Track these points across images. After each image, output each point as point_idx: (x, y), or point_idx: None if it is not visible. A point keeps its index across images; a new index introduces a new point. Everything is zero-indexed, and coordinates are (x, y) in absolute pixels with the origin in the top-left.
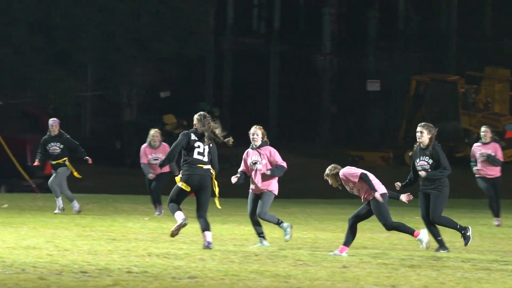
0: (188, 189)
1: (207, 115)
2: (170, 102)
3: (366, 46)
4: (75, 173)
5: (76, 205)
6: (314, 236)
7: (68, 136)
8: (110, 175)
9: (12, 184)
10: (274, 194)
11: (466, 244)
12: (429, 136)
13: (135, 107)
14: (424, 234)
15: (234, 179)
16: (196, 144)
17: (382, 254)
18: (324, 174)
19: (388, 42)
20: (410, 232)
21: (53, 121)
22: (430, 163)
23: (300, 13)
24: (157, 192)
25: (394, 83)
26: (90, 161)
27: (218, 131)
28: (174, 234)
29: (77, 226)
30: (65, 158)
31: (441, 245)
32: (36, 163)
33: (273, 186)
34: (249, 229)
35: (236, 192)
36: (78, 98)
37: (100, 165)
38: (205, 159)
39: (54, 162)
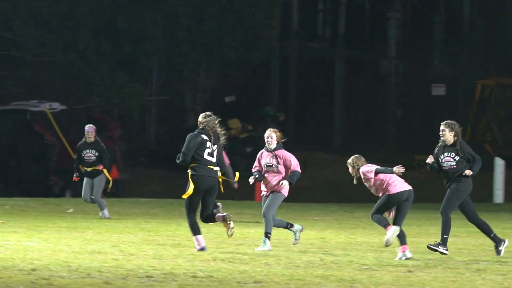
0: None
1: (211, 114)
2: (235, 107)
3: (431, 51)
4: (109, 177)
5: (106, 213)
6: (379, 241)
7: (103, 145)
8: (175, 180)
9: (77, 189)
10: (284, 196)
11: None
12: (452, 134)
13: (199, 111)
14: (391, 231)
15: (251, 180)
16: (207, 144)
17: (447, 258)
18: (347, 161)
19: (453, 47)
20: (385, 225)
21: (89, 128)
22: (456, 159)
23: (365, 17)
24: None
25: (459, 87)
26: (101, 167)
27: (220, 130)
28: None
29: (142, 231)
30: (99, 166)
31: (496, 241)
32: (74, 178)
33: (284, 188)
34: (314, 233)
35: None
36: (143, 103)
37: (165, 170)
38: (214, 159)
39: (89, 169)
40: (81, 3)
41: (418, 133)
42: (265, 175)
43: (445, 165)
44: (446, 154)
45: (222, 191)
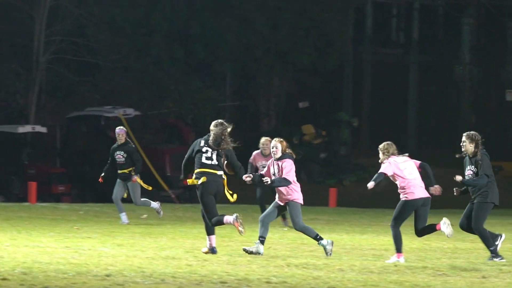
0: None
1: (223, 122)
2: (308, 112)
3: (505, 56)
4: (144, 185)
5: (124, 218)
6: (453, 246)
7: (134, 147)
8: (250, 186)
9: (150, 194)
10: (300, 203)
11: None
12: (472, 145)
13: (273, 117)
14: (444, 227)
15: (248, 178)
16: (204, 149)
17: None
18: (379, 146)
19: None
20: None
21: (119, 130)
22: (474, 171)
23: (439, 23)
24: (262, 201)
25: None
26: (134, 180)
27: (228, 139)
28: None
29: (216, 237)
30: (130, 169)
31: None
32: (100, 180)
33: (295, 195)
34: (388, 239)
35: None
36: (217, 108)
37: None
38: (214, 162)
39: (120, 171)
40: (155, 9)
41: (492, 139)
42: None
43: (466, 178)
44: (468, 167)
45: (232, 199)
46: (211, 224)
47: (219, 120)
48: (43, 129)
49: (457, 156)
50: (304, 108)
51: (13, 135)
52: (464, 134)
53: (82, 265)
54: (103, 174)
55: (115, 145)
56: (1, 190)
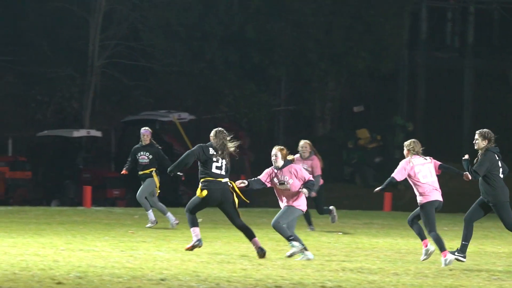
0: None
1: (223, 130)
2: (363, 117)
3: None
4: (157, 188)
5: (171, 217)
6: (509, 251)
7: (159, 147)
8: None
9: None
10: (301, 211)
11: None
12: (484, 142)
13: (328, 121)
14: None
15: (241, 184)
16: (214, 159)
17: None
18: (404, 143)
19: None
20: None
21: (144, 131)
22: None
23: (494, 27)
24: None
25: None
26: (183, 178)
27: (230, 145)
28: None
29: (271, 241)
30: (152, 169)
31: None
32: (123, 172)
33: (300, 201)
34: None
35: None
36: (271, 112)
37: None
38: (223, 172)
39: (141, 172)
40: (210, 13)
41: None
42: (277, 193)
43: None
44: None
45: (247, 201)
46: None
47: (219, 129)
48: (98, 133)
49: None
50: (358, 112)
51: (68, 140)
52: (477, 131)
53: (137, 269)
54: (126, 167)
55: (138, 145)
56: (56, 195)
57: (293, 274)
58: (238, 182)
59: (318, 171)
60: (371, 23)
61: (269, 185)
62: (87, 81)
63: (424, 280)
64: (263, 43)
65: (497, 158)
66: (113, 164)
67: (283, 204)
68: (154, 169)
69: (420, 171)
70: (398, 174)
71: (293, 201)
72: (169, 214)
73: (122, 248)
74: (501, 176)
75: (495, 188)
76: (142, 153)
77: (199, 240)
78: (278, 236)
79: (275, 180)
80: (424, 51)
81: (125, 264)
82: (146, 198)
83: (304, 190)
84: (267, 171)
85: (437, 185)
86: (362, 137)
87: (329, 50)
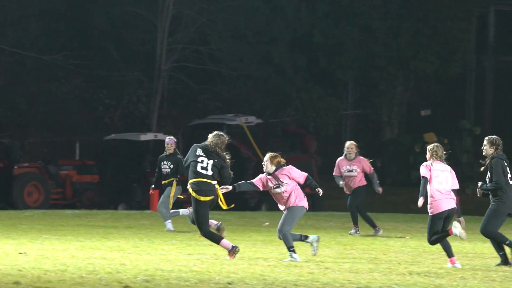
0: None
1: (224, 135)
2: (430, 121)
3: None
4: (170, 198)
5: (169, 225)
6: None
7: (181, 157)
8: (371, 194)
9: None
10: (304, 208)
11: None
12: (492, 149)
13: (395, 125)
14: (454, 228)
15: (225, 190)
16: (199, 159)
17: None
18: (428, 146)
19: None
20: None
21: (169, 139)
22: (489, 176)
23: None
24: (352, 209)
25: None
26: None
27: (222, 152)
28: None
29: (338, 245)
30: (172, 179)
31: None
32: (151, 192)
33: (300, 200)
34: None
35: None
36: (339, 116)
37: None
38: (209, 173)
39: (163, 182)
40: (277, 17)
41: None
42: (278, 195)
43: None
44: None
45: (225, 206)
46: (203, 234)
47: (219, 132)
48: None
49: (481, 169)
50: (426, 116)
51: (136, 143)
52: (486, 138)
53: (204, 272)
54: (153, 186)
55: (163, 155)
56: (123, 198)
57: (360, 278)
58: (222, 187)
59: (371, 169)
60: (438, 27)
61: (261, 189)
62: (155, 85)
63: (491, 284)
64: (331, 47)
65: (506, 164)
66: None
67: (282, 207)
68: (175, 179)
69: (438, 176)
70: (425, 172)
71: (292, 202)
72: (168, 222)
73: (189, 252)
74: (511, 182)
75: (503, 196)
76: (164, 162)
77: (234, 247)
78: (346, 239)
79: (270, 185)
80: (492, 55)
81: (192, 268)
82: (163, 206)
83: (317, 190)
84: (260, 176)
85: (450, 192)
86: (429, 141)
87: (397, 54)
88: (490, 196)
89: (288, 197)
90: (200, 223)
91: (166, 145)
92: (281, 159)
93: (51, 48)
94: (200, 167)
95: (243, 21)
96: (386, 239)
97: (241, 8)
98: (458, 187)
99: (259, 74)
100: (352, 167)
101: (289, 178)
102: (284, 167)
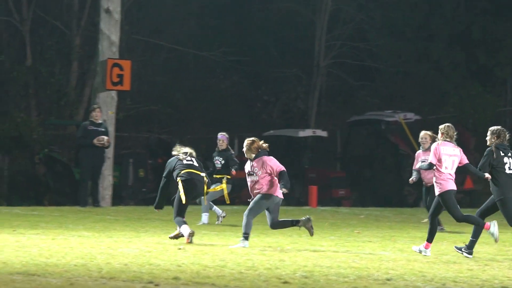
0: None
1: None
2: None
3: None
4: (219, 189)
5: (205, 218)
6: None
7: (232, 153)
8: None
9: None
10: (276, 198)
11: None
12: (493, 140)
13: None
14: (493, 227)
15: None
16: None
17: None
18: (440, 126)
19: None
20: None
21: (221, 136)
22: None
23: None
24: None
25: None
26: (233, 172)
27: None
28: None
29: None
30: (223, 175)
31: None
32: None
33: (274, 189)
34: None
35: None
36: (497, 113)
37: None
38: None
39: (215, 176)
40: (435, 13)
41: None
42: (252, 182)
43: None
44: None
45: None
46: (174, 219)
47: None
48: (324, 133)
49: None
50: None
51: (294, 139)
52: (489, 128)
53: (363, 269)
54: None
55: (215, 150)
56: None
57: None
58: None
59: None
60: None
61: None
62: (313, 81)
63: None
64: (489, 44)
65: (502, 154)
66: (338, 164)
67: (253, 194)
68: (226, 176)
69: (445, 161)
70: (433, 159)
71: (265, 190)
72: (204, 214)
73: (347, 248)
74: (510, 171)
75: (499, 184)
76: (216, 158)
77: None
78: (505, 236)
79: (246, 170)
80: None
81: (351, 264)
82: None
83: (284, 190)
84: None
85: (453, 175)
86: None
87: None
88: (491, 187)
89: (260, 186)
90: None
91: (218, 141)
92: (261, 144)
93: (210, 44)
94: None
95: (401, 18)
96: None
97: (399, 4)
98: (467, 161)
99: (417, 71)
100: (426, 158)
101: (264, 168)
102: (264, 157)
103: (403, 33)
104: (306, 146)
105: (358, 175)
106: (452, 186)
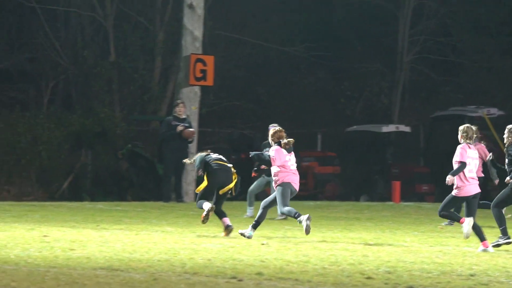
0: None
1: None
2: None
3: None
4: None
5: (249, 211)
6: None
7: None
8: None
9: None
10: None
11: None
12: (509, 138)
13: None
14: (466, 223)
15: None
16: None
17: None
18: (460, 127)
19: None
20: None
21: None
22: (506, 161)
23: None
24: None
25: None
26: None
27: None
28: None
29: None
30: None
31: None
32: (253, 174)
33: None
34: None
35: None
36: None
37: None
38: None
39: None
40: None
41: None
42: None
43: None
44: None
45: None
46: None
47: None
48: (407, 129)
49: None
50: None
51: (377, 135)
52: (508, 126)
53: (446, 264)
54: (255, 169)
55: (266, 142)
56: (365, 190)
57: None
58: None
59: (486, 155)
60: None
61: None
62: (396, 76)
63: None
64: None
65: None
66: (421, 159)
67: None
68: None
69: (469, 164)
70: (463, 157)
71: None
72: (249, 208)
73: (431, 243)
74: None
75: None
76: (266, 149)
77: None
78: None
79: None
80: None
81: (434, 260)
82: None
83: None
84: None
85: (475, 176)
86: None
87: None
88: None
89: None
90: None
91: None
92: (282, 133)
93: (293, 39)
94: None
95: (485, 13)
96: None
97: None
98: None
99: (501, 66)
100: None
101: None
102: (276, 147)
103: (487, 28)
104: (389, 141)
105: (441, 171)
106: (473, 190)
